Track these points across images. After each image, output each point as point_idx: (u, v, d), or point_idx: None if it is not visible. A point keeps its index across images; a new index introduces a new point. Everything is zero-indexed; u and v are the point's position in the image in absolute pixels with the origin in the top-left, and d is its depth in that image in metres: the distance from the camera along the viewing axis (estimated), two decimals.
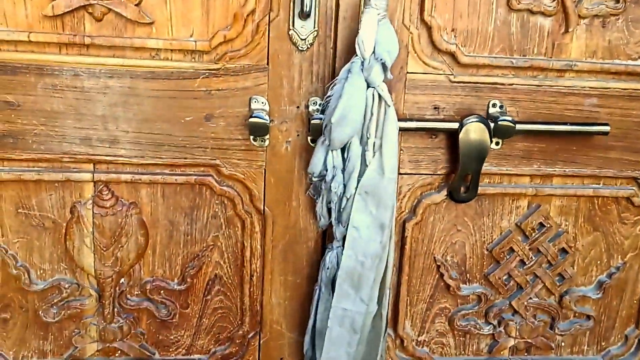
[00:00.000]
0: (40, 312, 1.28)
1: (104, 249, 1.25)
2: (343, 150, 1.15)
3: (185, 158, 1.22)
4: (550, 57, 1.23)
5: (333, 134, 1.10)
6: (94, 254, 1.25)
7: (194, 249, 1.29)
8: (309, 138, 1.22)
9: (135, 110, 1.18)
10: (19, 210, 1.22)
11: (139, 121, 1.19)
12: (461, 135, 1.20)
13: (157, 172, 1.23)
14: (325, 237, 1.30)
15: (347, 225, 1.17)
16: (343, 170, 1.16)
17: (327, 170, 1.16)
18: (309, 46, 1.18)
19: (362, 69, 1.11)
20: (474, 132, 1.20)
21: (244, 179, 1.24)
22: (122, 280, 1.28)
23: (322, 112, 1.17)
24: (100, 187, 1.22)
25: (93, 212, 1.23)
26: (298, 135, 1.23)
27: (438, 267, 1.34)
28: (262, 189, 1.25)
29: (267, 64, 1.18)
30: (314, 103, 1.20)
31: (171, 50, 1.16)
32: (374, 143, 1.14)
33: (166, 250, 1.28)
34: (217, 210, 1.26)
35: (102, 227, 1.24)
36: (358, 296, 1.20)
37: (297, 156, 1.24)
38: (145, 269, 1.29)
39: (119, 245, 1.25)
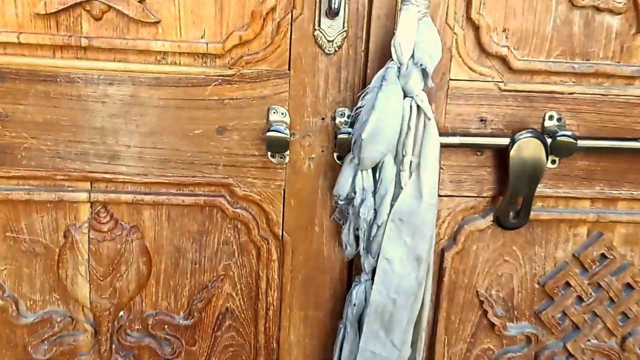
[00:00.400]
0: (29, 349, 1.17)
1: (101, 278, 1.14)
2: (374, 170, 1.03)
3: (194, 176, 1.10)
4: (619, 62, 1.09)
5: (364, 151, 0.98)
6: (90, 283, 1.14)
7: (202, 279, 1.17)
8: (335, 155, 1.10)
9: (138, 121, 1.07)
10: (7, 234, 1.11)
11: (142, 134, 1.08)
12: (512, 152, 1.07)
13: (162, 192, 1.11)
14: (352, 268, 1.17)
15: (378, 256, 1.05)
16: (374, 193, 1.03)
17: (355, 193, 1.03)
18: (336, 49, 1.05)
19: (398, 76, 0.98)
20: (527, 149, 1.07)
21: (260, 201, 1.12)
22: (121, 313, 1.17)
23: (351, 125, 1.05)
24: (98, 208, 1.11)
25: (89, 236, 1.12)
26: (323, 151, 1.10)
27: (481, 302, 1.21)
28: (281, 212, 1.13)
29: (289, 69, 1.06)
30: (341, 114, 1.08)
31: (179, 53, 1.05)
32: (411, 162, 1.01)
33: (171, 280, 1.17)
34: (229, 235, 1.15)
35: (99, 253, 1.13)
36: (389, 339, 1.07)
37: (321, 175, 1.12)
38: (148, 301, 1.17)
39: (118, 275, 1.14)
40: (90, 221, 1.12)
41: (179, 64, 1.06)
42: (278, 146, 1.05)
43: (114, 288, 1.14)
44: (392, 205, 1.02)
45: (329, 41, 1.05)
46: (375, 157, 0.99)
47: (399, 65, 0.99)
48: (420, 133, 1.01)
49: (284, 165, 1.11)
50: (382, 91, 0.97)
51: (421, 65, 0.97)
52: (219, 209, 1.13)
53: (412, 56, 0.98)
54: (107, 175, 1.10)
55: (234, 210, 1.12)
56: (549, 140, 1.07)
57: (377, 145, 0.98)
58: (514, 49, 1.08)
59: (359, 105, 1.01)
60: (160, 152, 1.09)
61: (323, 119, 1.09)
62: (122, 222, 1.13)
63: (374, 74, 1.02)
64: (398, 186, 1.02)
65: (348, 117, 1.07)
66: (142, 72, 1.05)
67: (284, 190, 1.12)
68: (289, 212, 1.14)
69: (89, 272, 1.13)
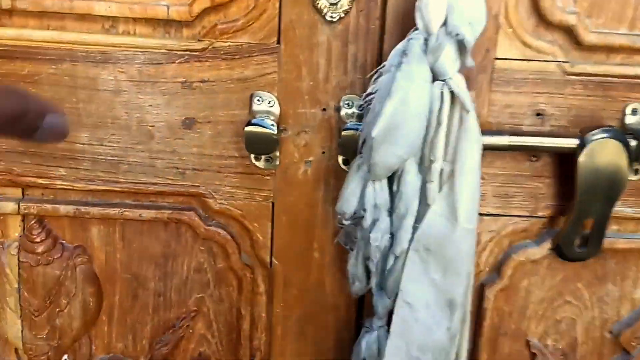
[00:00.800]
0: None
1: (36, 313, 0.90)
2: (391, 180, 0.77)
3: (155, 183, 0.86)
4: None
5: (375, 155, 0.71)
6: (22, 320, 0.91)
7: (168, 315, 0.92)
8: (340, 158, 0.84)
9: (80, 110, 0.83)
10: None
11: (86, 127, 0.83)
12: (581, 158, 0.80)
13: (114, 204, 0.87)
14: (363, 307, 0.91)
15: (396, 297, 0.78)
16: (390, 212, 0.77)
17: (365, 211, 0.77)
18: (342, 15, 0.79)
19: (425, 51, 0.72)
20: (602, 153, 0.79)
21: (242, 217, 0.87)
22: (64, 358, 0.93)
23: (361, 118, 0.78)
24: (31, 222, 0.87)
25: (19, 259, 0.88)
26: (324, 152, 0.84)
27: (533, 355, 0.93)
28: (269, 232, 0.88)
29: (278, 42, 0.80)
30: (348, 104, 0.82)
31: (132, 19, 0.80)
32: (442, 170, 0.74)
33: (128, 317, 0.92)
34: (202, 260, 0.90)
35: (32, 281, 0.89)
36: None
37: (321, 184, 0.86)
38: (98, 343, 0.93)
39: (57, 309, 0.90)
40: (21, 239, 0.88)
41: (133, 33, 0.81)
42: (263, 146, 0.80)
43: (53, 326, 0.91)
44: (415, 229, 0.76)
45: (332, 4, 0.79)
46: (392, 163, 0.72)
47: (425, 35, 0.72)
48: (454, 130, 0.74)
49: (273, 171, 0.85)
50: (402, 71, 0.71)
51: (457, 35, 0.70)
52: (188, 226, 0.88)
53: (445, 23, 0.72)
54: (42, 180, 0.85)
55: (207, 229, 0.87)
56: (632, 143, 0.80)
57: (393, 147, 0.71)
58: (585, 17, 0.80)
59: (369, 90, 0.75)
60: (109, 150, 0.84)
61: (324, 109, 0.83)
62: (63, 241, 0.89)
63: (393, 48, 0.77)
64: (423, 203, 0.75)
65: (357, 107, 0.81)
66: (83, 45, 0.80)
67: (273, 203, 0.87)
68: (280, 232, 0.88)
69: (20, 305, 0.90)
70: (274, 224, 0.88)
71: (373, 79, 0.74)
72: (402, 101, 0.70)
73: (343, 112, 0.82)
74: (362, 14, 0.80)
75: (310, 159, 0.85)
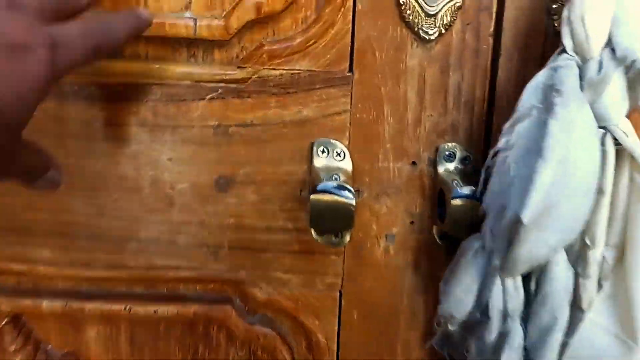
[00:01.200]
0: None
1: None
2: (527, 276, 0.53)
3: (176, 267, 0.63)
4: None
5: (522, 246, 0.48)
6: None
7: None
8: (435, 229, 0.61)
9: (71, 167, 0.60)
10: None
11: (78, 190, 0.61)
12: None
13: (120, 295, 0.64)
14: None
15: None
16: (525, 320, 0.53)
17: (485, 316, 0.54)
18: (442, 30, 0.57)
19: (582, 84, 0.49)
20: None
21: (297, 311, 0.64)
22: None
23: (486, 181, 0.55)
24: (3, 323, 0.64)
25: None
26: (412, 222, 0.61)
27: None
28: (335, 332, 0.65)
29: (350, 70, 0.58)
30: (449, 156, 0.59)
31: (145, 38, 0.57)
32: (603, 260, 0.51)
33: None
34: None
35: None
36: None
37: (409, 266, 0.62)
38: None
39: None
40: None
41: (145, 58, 0.58)
42: (334, 222, 0.56)
43: None
44: (564, 346, 0.52)
45: (428, 15, 0.56)
46: (540, 255, 0.49)
47: (580, 62, 0.50)
48: (622, 200, 0.51)
49: (342, 249, 0.62)
50: (557, 118, 0.47)
51: (633, 62, 0.48)
52: (222, 324, 0.65)
53: (609, 44, 0.49)
54: (18, 265, 0.63)
55: (248, 327, 0.64)
56: None
57: (544, 233, 0.47)
58: None
59: (501, 145, 0.52)
60: (112, 222, 0.61)
61: (414, 163, 0.60)
62: (49, 348, 0.65)
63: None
64: (576, 309, 0.52)
65: (463, 160, 0.58)
66: (75, 75, 0.58)
67: (341, 292, 0.64)
68: (349, 331, 0.65)
69: None
70: (341, 320, 0.64)
71: (507, 127, 0.51)
72: (562, 165, 0.46)
73: (441, 167, 0.59)
74: (470, 28, 0.57)
75: (394, 231, 0.62)
